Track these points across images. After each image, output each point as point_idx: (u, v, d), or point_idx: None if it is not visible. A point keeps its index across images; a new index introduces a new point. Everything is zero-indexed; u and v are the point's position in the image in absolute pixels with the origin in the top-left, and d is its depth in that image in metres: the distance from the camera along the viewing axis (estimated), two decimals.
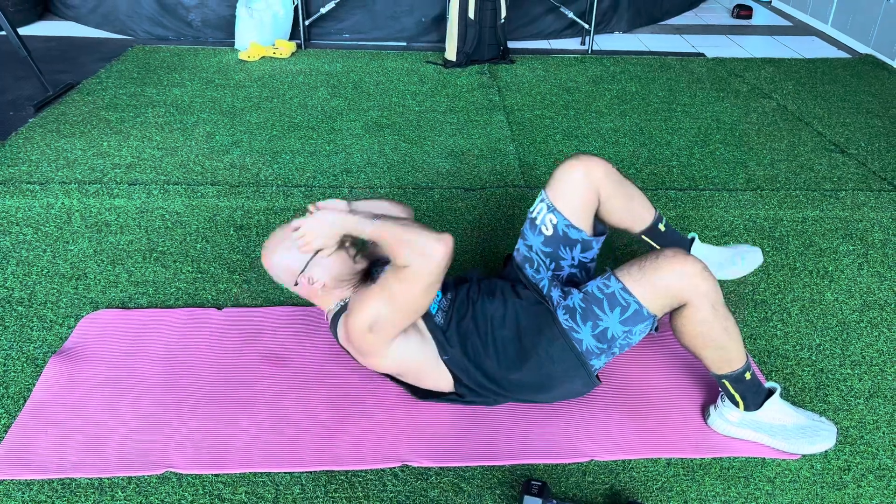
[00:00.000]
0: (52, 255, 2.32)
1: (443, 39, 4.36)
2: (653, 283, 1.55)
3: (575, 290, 1.68)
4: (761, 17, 5.73)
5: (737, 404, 1.67)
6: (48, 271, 2.24)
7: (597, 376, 1.68)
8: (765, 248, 2.47)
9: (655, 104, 3.77)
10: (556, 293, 1.72)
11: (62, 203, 2.61)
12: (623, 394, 1.84)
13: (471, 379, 1.66)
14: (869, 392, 1.87)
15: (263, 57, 4.24)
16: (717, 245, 2.40)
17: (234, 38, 4.41)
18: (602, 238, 1.87)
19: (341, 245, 1.65)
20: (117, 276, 2.24)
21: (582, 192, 1.80)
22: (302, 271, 1.64)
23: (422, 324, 1.65)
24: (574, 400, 1.78)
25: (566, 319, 1.64)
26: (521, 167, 3.03)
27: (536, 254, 1.85)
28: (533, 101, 3.75)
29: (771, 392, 1.68)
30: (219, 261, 2.33)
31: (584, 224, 1.82)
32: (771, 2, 6.07)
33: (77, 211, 2.57)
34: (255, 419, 1.73)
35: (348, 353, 1.69)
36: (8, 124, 3.25)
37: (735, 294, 2.21)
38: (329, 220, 1.58)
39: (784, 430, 1.66)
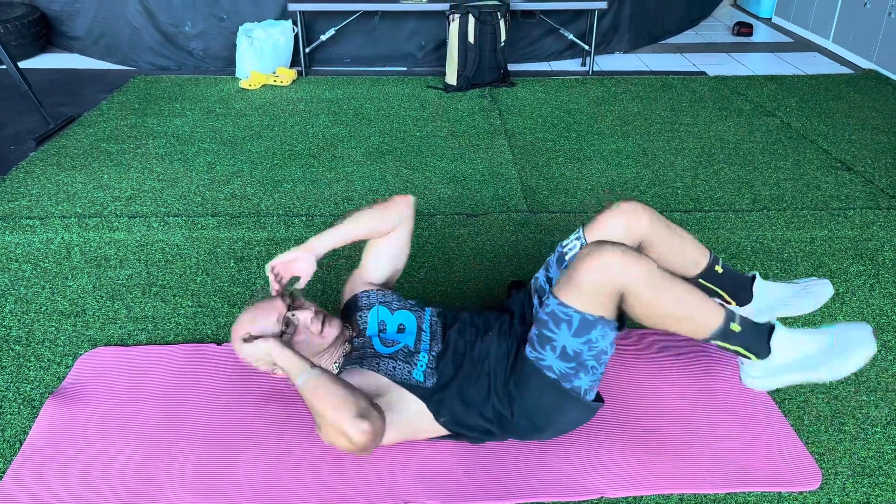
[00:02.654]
0: (51, 292, 2.29)
1: (443, 64, 4.36)
2: (580, 288, 1.48)
3: (534, 320, 1.63)
4: (762, 34, 5.72)
5: (748, 357, 1.55)
6: (47, 308, 2.21)
7: (597, 396, 1.64)
8: (773, 271, 2.43)
9: (658, 124, 3.74)
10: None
11: (62, 238, 2.59)
12: (631, 424, 1.79)
13: (471, 428, 1.62)
14: (886, 420, 1.81)
15: (264, 85, 4.25)
16: (783, 281, 2.12)
17: (235, 67, 4.42)
18: None
19: (293, 336, 1.64)
20: (116, 311, 2.22)
21: (620, 241, 1.68)
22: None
23: (408, 396, 1.60)
24: (581, 432, 1.73)
25: (530, 350, 1.59)
26: (523, 191, 3.00)
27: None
28: (534, 124, 3.73)
29: (772, 328, 1.54)
30: (219, 294, 2.30)
31: None
32: (771, 18, 6.07)
33: (77, 245, 2.55)
34: (255, 457, 1.69)
35: None
36: (9, 158, 3.25)
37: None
38: (265, 350, 1.56)
39: (811, 360, 1.51)
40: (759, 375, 1.57)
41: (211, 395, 1.88)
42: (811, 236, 2.65)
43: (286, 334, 1.63)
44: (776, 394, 1.90)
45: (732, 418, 1.81)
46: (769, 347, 1.53)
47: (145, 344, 2.08)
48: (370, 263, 1.90)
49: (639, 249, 1.73)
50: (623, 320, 1.59)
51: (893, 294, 2.32)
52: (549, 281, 1.79)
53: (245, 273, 2.41)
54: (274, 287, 1.72)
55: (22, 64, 4.66)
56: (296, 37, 4.47)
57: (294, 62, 4.57)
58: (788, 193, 2.99)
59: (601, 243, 1.49)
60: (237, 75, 4.37)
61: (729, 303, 1.82)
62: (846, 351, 1.50)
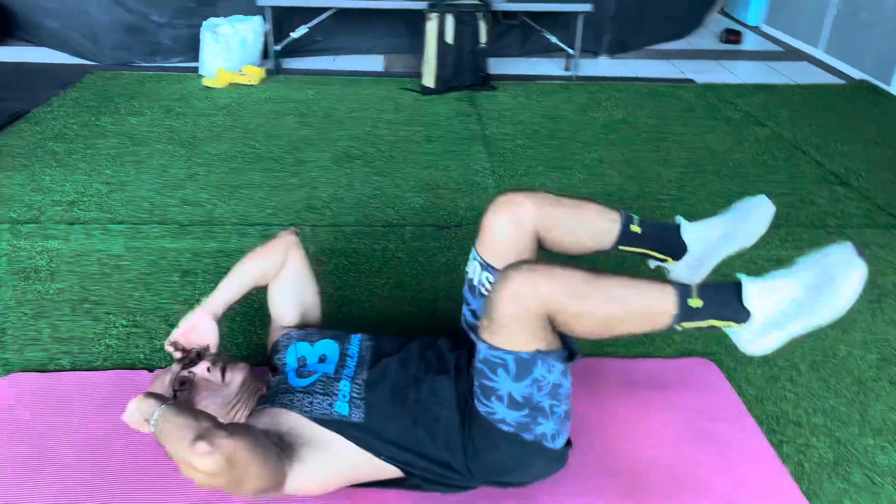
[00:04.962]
0: None
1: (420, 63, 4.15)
2: (503, 325, 1.27)
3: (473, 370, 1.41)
4: (750, 42, 5.57)
5: (730, 326, 1.30)
6: None
7: (567, 442, 1.43)
8: None
9: (644, 133, 3.56)
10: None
11: None
12: (617, 477, 1.58)
13: (424, 470, 1.40)
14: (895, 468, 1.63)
15: (231, 84, 4.01)
16: (709, 217, 1.66)
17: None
18: None
19: (193, 395, 1.42)
20: (40, 331, 1.98)
21: (513, 241, 1.50)
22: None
23: (326, 435, 1.38)
24: (562, 485, 1.51)
25: (479, 404, 1.37)
26: None
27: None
28: (515, 131, 3.53)
29: (739, 286, 1.29)
30: (157, 312, 2.07)
31: None
32: (759, 26, 5.92)
33: (5, 255, 2.31)
34: (183, 503, 1.46)
35: None
36: None
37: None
38: (132, 409, 1.33)
39: (802, 305, 1.26)
40: (752, 339, 1.30)
41: (138, 433, 1.65)
42: None
43: (181, 392, 1.42)
44: (773, 435, 1.70)
45: (724, 463, 1.60)
46: (745, 308, 1.28)
47: (68, 370, 1.85)
48: (275, 308, 1.73)
49: (537, 237, 1.51)
50: (573, 348, 1.37)
51: None
52: (474, 314, 1.58)
53: (189, 289, 2.18)
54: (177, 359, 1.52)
55: None
56: (266, 34, 4.24)
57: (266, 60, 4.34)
58: (782, 208, 2.80)
59: (506, 270, 1.28)
60: (201, 73, 4.12)
61: (664, 261, 1.56)
62: (834, 281, 1.24)
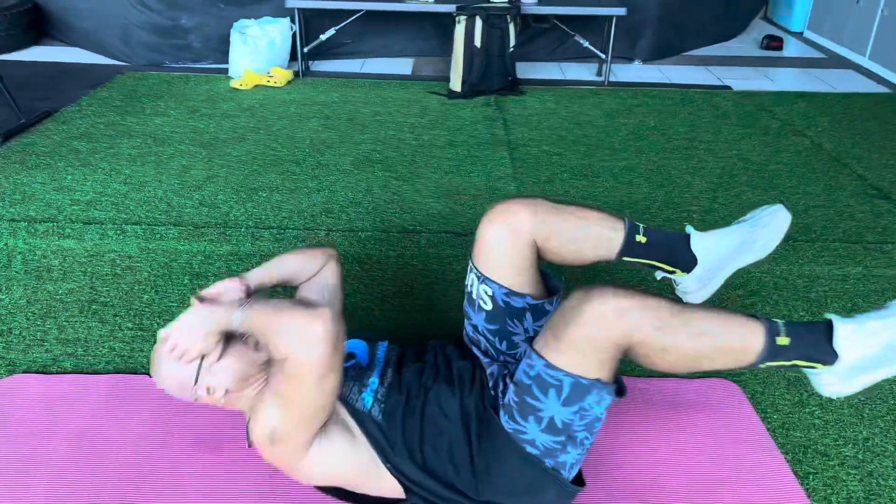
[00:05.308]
0: None
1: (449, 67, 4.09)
2: (573, 346, 1.20)
3: (510, 382, 1.33)
4: (793, 48, 5.39)
5: (814, 367, 1.24)
6: None
7: (578, 476, 1.35)
8: (798, 312, 2.12)
9: (675, 141, 3.44)
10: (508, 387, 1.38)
11: (5, 244, 2.34)
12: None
13: (425, 490, 1.33)
14: None
15: (257, 85, 4.00)
16: (722, 227, 1.58)
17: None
18: (558, 297, 1.50)
19: (229, 340, 1.34)
20: (46, 332, 1.96)
21: (510, 252, 1.43)
22: (196, 384, 1.32)
23: (350, 421, 1.33)
24: None
25: (507, 421, 1.30)
26: None
27: (483, 334, 1.52)
28: (541, 136, 3.44)
29: (829, 325, 1.23)
30: (165, 315, 2.04)
31: (528, 286, 1.46)
32: (803, 32, 5.73)
33: (20, 253, 2.31)
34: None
35: None
36: None
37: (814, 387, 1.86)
38: (195, 321, 1.29)
39: (894, 349, 1.20)
40: (835, 382, 1.24)
41: (134, 437, 1.61)
42: (843, 273, 2.34)
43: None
44: (799, 466, 1.59)
45: (744, 496, 1.50)
46: (834, 350, 1.22)
47: (70, 371, 1.82)
48: None
49: (535, 247, 1.43)
50: (622, 385, 1.30)
51: None
52: (476, 329, 1.52)
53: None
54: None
55: (12, 56, 4.49)
56: (293, 35, 4.23)
57: (294, 62, 4.33)
58: (818, 222, 2.68)
59: (590, 291, 1.20)
60: (230, 74, 4.12)
61: (672, 272, 1.47)
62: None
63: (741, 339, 1.22)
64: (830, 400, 1.79)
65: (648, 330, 1.18)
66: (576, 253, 1.44)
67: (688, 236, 1.46)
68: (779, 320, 1.24)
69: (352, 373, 1.42)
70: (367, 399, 1.37)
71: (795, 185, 2.99)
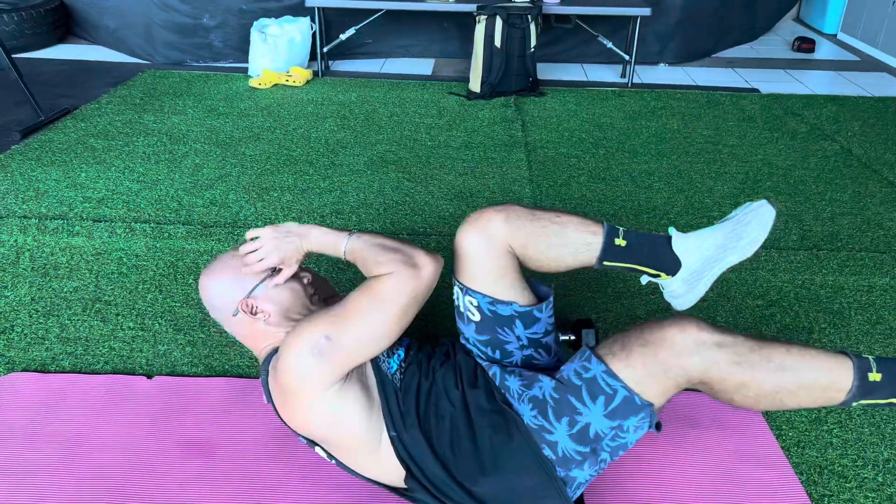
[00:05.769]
0: None
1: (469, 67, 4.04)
2: (644, 363, 1.19)
3: (546, 378, 1.29)
4: (825, 50, 5.24)
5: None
6: None
7: (580, 500, 1.29)
8: (820, 324, 2.03)
9: (698, 144, 3.35)
10: (514, 382, 1.34)
11: (14, 241, 2.35)
12: None
13: (426, 471, 1.28)
14: None
15: (276, 85, 3.99)
16: (704, 226, 1.53)
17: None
18: (547, 303, 1.45)
19: (297, 276, 1.38)
20: (47, 330, 1.95)
21: (487, 261, 1.39)
22: (248, 296, 1.34)
23: (372, 382, 1.31)
24: None
25: (535, 417, 1.26)
26: None
27: (475, 346, 1.48)
28: (559, 138, 3.38)
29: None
30: (167, 316, 2.02)
31: (512, 294, 1.42)
32: (836, 34, 5.57)
33: (28, 250, 2.31)
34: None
35: (278, 415, 1.32)
36: None
37: None
38: (291, 234, 1.34)
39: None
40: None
41: (124, 438, 1.59)
42: (869, 284, 2.23)
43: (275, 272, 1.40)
44: (814, 488, 1.51)
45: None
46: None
47: (68, 371, 1.81)
48: None
49: (513, 254, 1.40)
50: (660, 422, 1.25)
51: None
52: (469, 341, 1.48)
53: None
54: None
55: (36, 54, 4.55)
56: (313, 35, 4.21)
57: (313, 61, 4.32)
58: (844, 231, 2.57)
59: (678, 317, 1.19)
60: (249, 73, 4.12)
61: (657, 276, 1.42)
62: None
63: (827, 375, 1.18)
64: (850, 418, 1.70)
65: (725, 366, 1.16)
66: (555, 259, 1.40)
67: (670, 238, 1.42)
68: (869, 356, 1.21)
69: None
70: (393, 364, 1.37)
71: (822, 192, 2.89)
